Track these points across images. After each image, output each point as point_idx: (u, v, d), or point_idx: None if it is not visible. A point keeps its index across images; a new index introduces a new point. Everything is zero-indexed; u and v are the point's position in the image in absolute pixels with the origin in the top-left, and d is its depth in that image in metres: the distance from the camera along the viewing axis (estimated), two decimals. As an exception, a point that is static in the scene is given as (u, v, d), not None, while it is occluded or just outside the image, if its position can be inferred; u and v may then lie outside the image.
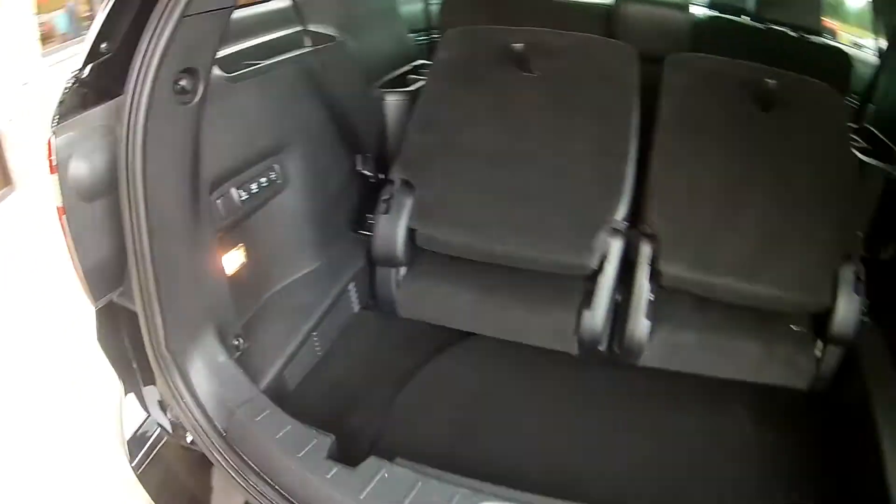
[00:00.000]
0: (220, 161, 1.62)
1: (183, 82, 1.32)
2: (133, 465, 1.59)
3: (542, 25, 2.75)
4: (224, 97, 1.55)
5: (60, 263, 1.42)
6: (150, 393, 1.50)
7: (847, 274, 1.93)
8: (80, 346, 2.52)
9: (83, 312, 1.48)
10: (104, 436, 1.77)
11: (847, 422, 1.87)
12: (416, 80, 2.56)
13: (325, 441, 1.36)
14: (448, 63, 2.30)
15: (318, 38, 1.97)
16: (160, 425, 1.53)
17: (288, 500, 1.29)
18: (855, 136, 2.48)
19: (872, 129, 2.54)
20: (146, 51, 1.21)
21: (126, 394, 1.57)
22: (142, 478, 1.59)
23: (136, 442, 1.60)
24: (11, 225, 3.86)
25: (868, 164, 2.28)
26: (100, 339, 1.47)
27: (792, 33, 2.80)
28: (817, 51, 2.84)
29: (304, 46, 2.05)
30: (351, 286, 2.13)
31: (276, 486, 1.31)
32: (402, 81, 2.58)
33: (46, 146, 1.25)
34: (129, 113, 1.23)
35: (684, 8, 2.90)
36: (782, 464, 1.77)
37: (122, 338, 1.47)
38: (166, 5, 1.20)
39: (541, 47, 2.21)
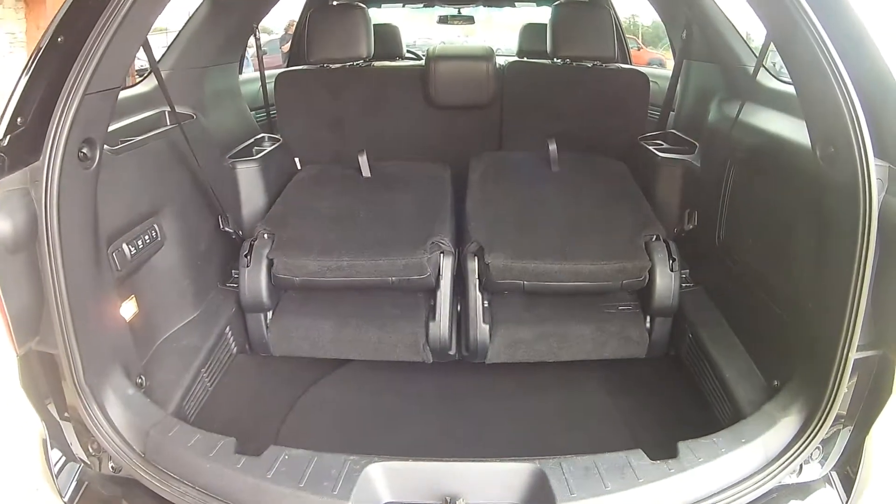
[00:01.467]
0: (113, 220, 1.83)
1: (84, 150, 1.56)
2: (65, 500, 1.66)
3: (364, 93, 3.13)
4: (110, 166, 1.75)
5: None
6: (67, 430, 1.64)
7: (658, 250, 2.27)
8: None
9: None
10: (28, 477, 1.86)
11: (688, 373, 2.22)
12: (261, 151, 2.86)
13: (230, 441, 1.56)
14: (307, 177, 2.85)
15: (177, 115, 2.20)
16: (81, 460, 1.65)
17: (207, 494, 1.47)
18: (660, 141, 2.93)
19: (676, 132, 2.98)
20: (58, 123, 1.44)
21: (49, 434, 1.68)
22: None
23: (63, 480, 1.68)
24: None
25: (669, 158, 2.70)
26: (23, 383, 1.61)
27: (588, 64, 3.14)
28: (615, 75, 3.20)
29: (167, 124, 2.30)
30: (227, 330, 2.32)
31: (196, 486, 1.49)
32: (248, 152, 2.86)
33: None
34: (46, 176, 1.44)
35: (488, 58, 3.26)
36: (637, 420, 2.02)
37: (40, 381, 1.62)
38: (73, 85, 1.44)
39: (378, 168, 2.79)
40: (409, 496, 1.47)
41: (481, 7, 5.59)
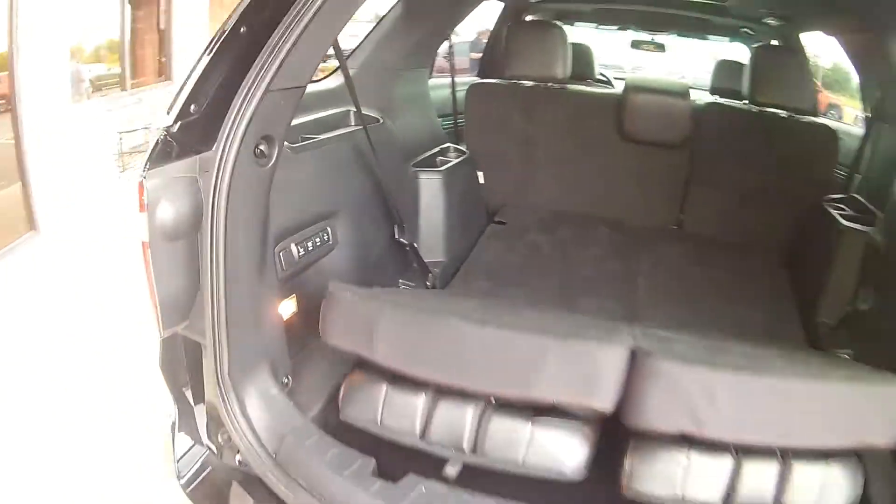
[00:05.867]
0: (283, 219, 1.81)
1: (262, 147, 1.52)
2: (182, 483, 1.68)
3: (557, 115, 3.07)
4: (288, 164, 1.71)
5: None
6: (200, 415, 1.64)
7: None
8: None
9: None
10: (153, 456, 1.90)
11: None
12: (447, 162, 2.82)
13: (369, 461, 1.48)
14: None
15: (363, 118, 2.18)
16: (209, 447, 1.65)
17: None
18: (842, 206, 2.68)
19: (858, 197, 2.73)
20: (235, 116, 1.42)
21: (179, 417, 1.70)
22: (191, 495, 1.68)
23: (185, 463, 1.70)
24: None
25: (850, 228, 2.46)
26: (162, 365, 1.64)
27: (783, 114, 2.98)
28: (806, 128, 3.02)
29: (350, 125, 2.29)
30: None
31: (323, 500, 1.42)
32: (432, 161, 2.82)
33: (138, 188, 1.40)
34: (218, 168, 1.42)
35: (685, 96, 3.13)
36: None
37: (181, 365, 1.63)
38: (254, 80, 1.41)
39: None
40: None
41: (674, 35, 5.40)
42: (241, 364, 1.56)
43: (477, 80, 3.68)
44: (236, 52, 1.46)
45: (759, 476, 1.46)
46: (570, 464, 1.54)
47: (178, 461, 1.71)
